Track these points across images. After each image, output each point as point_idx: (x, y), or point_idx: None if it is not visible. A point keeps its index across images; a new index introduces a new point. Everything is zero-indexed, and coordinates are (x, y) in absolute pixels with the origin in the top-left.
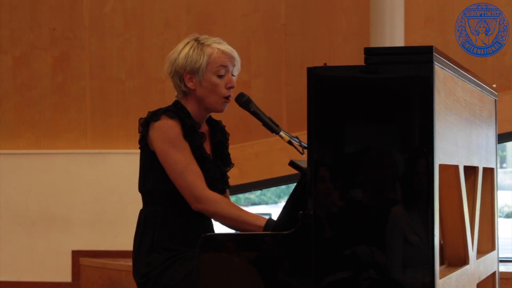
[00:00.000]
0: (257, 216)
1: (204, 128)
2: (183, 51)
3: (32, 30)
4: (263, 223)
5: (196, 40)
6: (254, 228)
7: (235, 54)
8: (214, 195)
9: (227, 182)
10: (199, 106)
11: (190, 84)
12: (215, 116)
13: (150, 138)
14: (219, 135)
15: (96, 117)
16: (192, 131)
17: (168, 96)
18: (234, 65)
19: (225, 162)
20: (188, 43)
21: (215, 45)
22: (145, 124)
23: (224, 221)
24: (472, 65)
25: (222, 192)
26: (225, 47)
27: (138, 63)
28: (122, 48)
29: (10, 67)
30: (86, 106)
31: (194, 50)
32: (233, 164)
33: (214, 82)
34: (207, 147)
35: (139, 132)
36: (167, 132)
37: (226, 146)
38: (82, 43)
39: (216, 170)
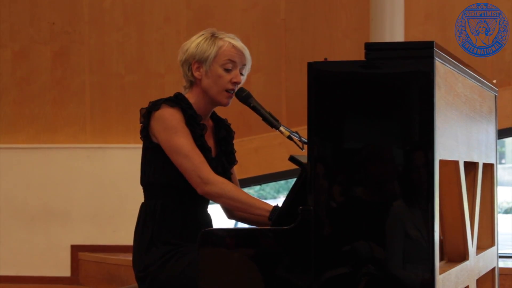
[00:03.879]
0: (263, 201)
1: (208, 123)
2: (196, 41)
3: (32, 25)
4: (270, 208)
5: (211, 33)
6: (260, 212)
7: (246, 52)
8: (220, 178)
9: (230, 179)
10: (203, 97)
11: (196, 74)
12: (218, 109)
13: (151, 129)
14: (223, 131)
15: (96, 112)
16: (192, 121)
17: (168, 90)
18: (244, 64)
19: (229, 159)
20: (203, 34)
21: (228, 39)
22: (147, 115)
23: (231, 203)
24: (472, 61)
25: None
26: (238, 43)
27: (138, 57)
28: (122, 42)
29: (10, 61)
30: (86, 101)
31: (206, 40)
32: (237, 161)
33: (219, 74)
34: (210, 141)
35: (140, 123)
36: (169, 119)
37: (230, 143)
38: (82, 38)
39: (218, 164)
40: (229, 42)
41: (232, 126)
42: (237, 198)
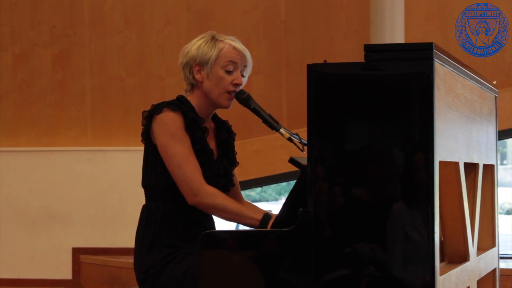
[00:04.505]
0: (254, 210)
1: (210, 125)
2: (196, 43)
3: (32, 28)
4: (260, 217)
5: (212, 35)
6: (251, 222)
7: (247, 53)
8: (211, 189)
9: (231, 180)
10: (205, 100)
11: (198, 76)
12: (221, 115)
13: (152, 131)
14: (225, 133)
15: (96, 115)
16: (193, 124)
17: (168, 93)
18: (245, 65)
19: (230, 160)
20: (203, 37)
21: (228, 41)
22: (149, 117)
23: (221, 214)
24: (472, 62)
25: (225, 189)
26: (238, 44)
27: (138, 60)
28: (122, 45)
29: (10, 64)
30: (86, 104)
31: (207, 43)
32: (238, 163)
33: (220, 76)
34: (212, 143)
35: (142, 125)
36: (168, 124)
37: (231, 145)
38: (82, 41)
39: (220, 166)
40: (230, 44)
41: (233, 128)
42: (226, 209)
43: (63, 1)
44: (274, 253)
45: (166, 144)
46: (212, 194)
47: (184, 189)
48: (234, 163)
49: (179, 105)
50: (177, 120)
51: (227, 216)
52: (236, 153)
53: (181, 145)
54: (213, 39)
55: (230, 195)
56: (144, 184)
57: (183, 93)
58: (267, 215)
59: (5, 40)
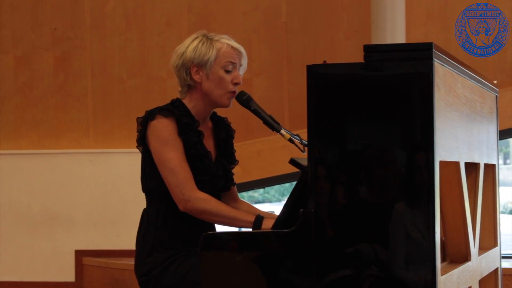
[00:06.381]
0: (247, 211)
1: (208, 124)
2: (191, 44)
3: (34, 30)
4: (252, 219)
5: (205, 35)
6: (244, 224)
7: (243, 51)
8: (203, 194)
9: (232, 179)
10: (203, 100)
11: (196, 77)
12: (220, 113)
13: (147, 137)
14: (223, 132)
15: (98, 117)
16: (187, 128)
17: (170, 94)
18: (241, 64)
19: (230, 159)
20: (196, 37)
21: (225, 41)
22: (143, 123)
23: (214, 218)
24: (473, 61)
25: (226, 189)
26: (234, 43)
27: (140, 62)
28: (124, 47)
29: (12, 67)
30: (88, 106)
31: (203, 43)
32: (238, 161)
33: (221, 76)
34: (210, 143)
35: (137, 132)
36: (160, 131)
37: (230, 143)
38: (84, 43)
39: (218, 167)
40: (227, 44)
41: (234, 130)
42: (219, 213)
43: (64, 3)
44: (276, 254)
45: (158, 151)
46: (204, 200)
47: (176, 195)
48: (233, 161)
49: (172, 110)
50: (169, 126)
51: (220, 220)
52: (235, 151)
53: (174, 151)
54: (208, 39)
55: (226, 194)
56: (145, 190)
57: (179, 95)
58: (259, 217)
59: (6, 42)
